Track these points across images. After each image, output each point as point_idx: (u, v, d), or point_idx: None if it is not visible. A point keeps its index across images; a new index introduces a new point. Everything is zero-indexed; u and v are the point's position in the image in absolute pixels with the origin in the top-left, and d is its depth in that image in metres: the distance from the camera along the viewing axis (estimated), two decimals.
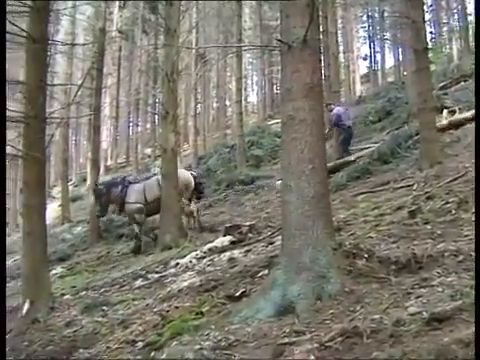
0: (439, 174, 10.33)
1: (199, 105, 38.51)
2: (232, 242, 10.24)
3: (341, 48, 40.00)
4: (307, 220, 5.39)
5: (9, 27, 9.53)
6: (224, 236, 10.79)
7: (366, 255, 5.71)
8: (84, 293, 9.82)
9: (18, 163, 26.02)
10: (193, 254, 10.10)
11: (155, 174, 15.33)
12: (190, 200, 14.55)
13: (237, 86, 24.40)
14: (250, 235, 10.60)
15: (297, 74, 5.64)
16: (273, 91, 51.01)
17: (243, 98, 29.40)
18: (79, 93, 15.72)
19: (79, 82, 19.54)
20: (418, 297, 4.61)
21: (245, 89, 47.18)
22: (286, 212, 5.63)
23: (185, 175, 14.57)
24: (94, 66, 20.86)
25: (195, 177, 14.71)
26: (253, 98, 59.93)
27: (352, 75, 47.37)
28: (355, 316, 4.52)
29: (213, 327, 5.10)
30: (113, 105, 42.94)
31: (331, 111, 16.92)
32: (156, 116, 39.36)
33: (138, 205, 14.11)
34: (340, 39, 39.17)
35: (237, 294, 6.23)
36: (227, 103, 46.03)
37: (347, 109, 18.89)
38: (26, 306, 8.31)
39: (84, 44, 22.07)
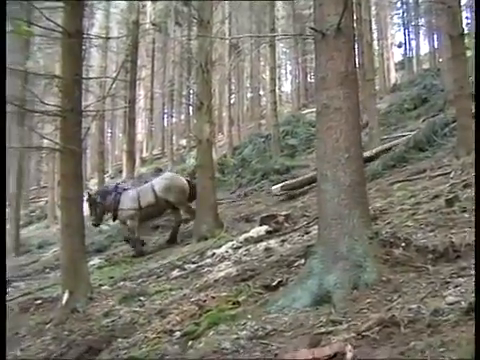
0: None
1: (233, 95, 38.35)
2: (268, 232, 10.24)
3: (375, 35, 39.40)
4: (343, 209, 5.37)
5: (45, 23, 9.66)
6: (260, 226, 10.80)
7: (403, 244, 5.67)
8: (122, 283, 9.93)
9: (55, 156, 26.34)
10: (229, 244, 10.13)
11: (147, 181, 15.42)
12: (189, 202, 14.64)
13: (271, 76, 24.30)
14: (286, 225, 10.59)
15: (331, 62, 5.60)
16: (307, 80, 50.64)
17: (277, 87, 29.27)
18: (114, 86, 15.85)
19: (114, 75, 19.66)
20: (456, 286, 4.56)
21: (279, 79, 46.85)
22: (322, 201, 5.62)
23: (182, 181, 14.69)
24: (128, 59, 21.02)
25: (189, 182, 14.68)
26: (287, 87, 59.56)
27: (386, 63, 46.68)
28: (392, 306, 4.49)
29: (250, 317, 5.12)
30: (147, 97, 43.09)
31: None
32: (190, 107, 39.51)
33: (131, 211, 14.02)
34: (374, 26, 38.60)
35: (274, 284, 6.23)
36: (261, 93, 45.82)
37: None
38: (65, 296, 8.45)
39: (118, 37, 22.23)
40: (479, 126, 5.26)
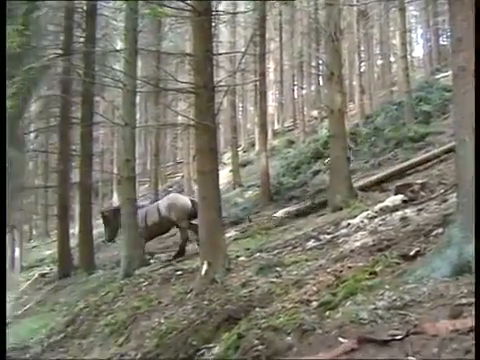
0: None
1: (363, 63, 37.49)
2: (404, 201, 10.03)
3: None
4: None
5: (175, 3, 9.94)
6: (395, 195, 10.60)
7: None
8: (258, 255, 10.11)
9: (189, 132, 27.15)
10: (364, 214, 10.02)
11: (156, 200, 16.52)
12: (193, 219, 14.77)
13: (401, 41, 23.49)
14: (422, 193, 10.32)
15: (468, 22, 5.31)
16: (439, 43, 48.42)
17: (408, 53, 28.27)
18: (243, 60, 16.01)
19: (243, 50, 19.86)
20: None
21: (410, 43, 45.14)
22: (461, 168, 5.38)
23: (184, 201, 15.20)
24: (256, 33, 21.12)
25: (192, 201, 14.81)
26: (419, 52, 57.29)
27: None
28: None
29: (387, 287, 5.04)
30: (277, 70, 43.16)
31: None
32: (320, 77, 39.14)
33: (142, 229, 14.62)
34: None
35: (411, 253, 6.10)
36: (392, 59, 44.48)
37: None
38: (204, 267, 8.76)
39: (245, 12, 22.33)
40: (479, 125, 4.86)
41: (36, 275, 24.19)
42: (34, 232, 43.07)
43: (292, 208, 15.76)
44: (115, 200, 35.90)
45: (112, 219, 15.69)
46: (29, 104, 20.57)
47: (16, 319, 15.86)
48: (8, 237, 31.88)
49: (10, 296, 23.02)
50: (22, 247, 32.16)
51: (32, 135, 22.64)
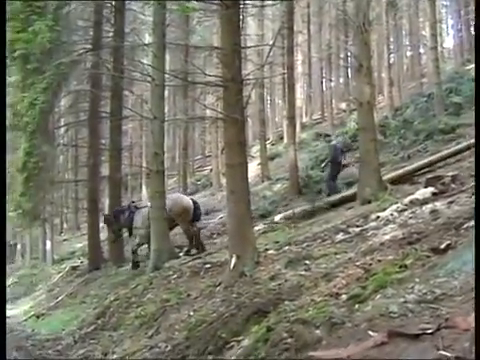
0: None
1: (392, 55, 37.17)
2: (434, 193, 9.92)
3: None
4: None
5: None
6: (425, 188, 10.49)
7: None
8: (287, 248, 10.10)
9: (218, 126, 27.19)
10: (394, 207, 9.94)
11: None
12: (191, 223, 15.07)
13: (431, 32, 23.22)
14: (453, 186, 10.19)
15: None
16: (470, 33, 47.66)
17: (438, 44, 27.92)
18: (271, 53, 15.99)
19: (271, 42, 19.81)
20: None
21: (440, 34, 44.55)
22: None
23: (185, 201, 15.36)
24: (284, 25, 21.05)
25: (195, 203, 15.16)
26: (449, 43, 56.48)
27: None
28: None
29: (417, 280, 5.00)
30: (305, 62, 42.97)
31: (329, 143, 17.39)
32: (349, 70, 38.89)
33: (143, 229, 14.96)
34: None
35: (442, 247, 6.03)
36: (421, 50, 44.01)
37: (344, 143, 19.42)
38: (233, 260, 8.79)
39: (273, 4, 22.27)
40: (479, 126, 4.74)
41: (67, 268, 24.54)
42: (65, 225, 43.64)
43: (287, 212, 15.83)
44: (144, 193, 36.15)
45: (114, 221, 16.11)
46: (59, 99, 20.81)
47: (49, 311, 16.12)
48: (40, 230, 32.41)
49: (42, 288, 23.42)
50: (53, 240, 32.61)
51: (62, 130, 22.86)
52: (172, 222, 14.96)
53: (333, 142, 17.38)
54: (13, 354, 9.96)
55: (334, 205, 14.57)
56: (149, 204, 15.15)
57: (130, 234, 15.91)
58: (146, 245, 15.14)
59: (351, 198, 14.19)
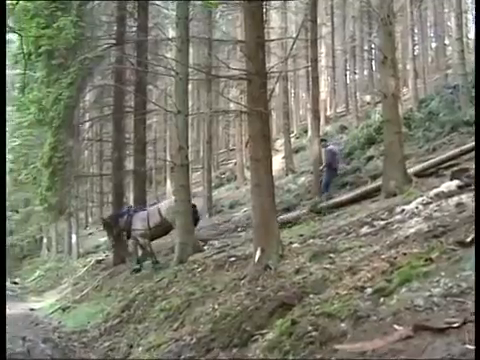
0: None
1: (417, 47, 36.79)
2: (459, 186, 9.80)
3: None
4: None
5: None
6: (451, 180, 10.38)
7: None
8: (311, 241, 10.08)
9: (242, 119, 27.17)
10: (419, 200, 9.84)
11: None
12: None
13: (457, 22, 22.89)
14: None
15: None
16: None
17: (464, 34, 27.56)
18: (295, 46, 15.95)
19: (294, 35, 19.75)
20: None
21: (465, 24, 43.98)
22: None
23: None
24: (308, 18, 20.93)
25: (193, 206, 15.05)
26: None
27: None
28: None
29: (443, 274, 4.97)
30: (329, 55, 42.70)
31: (325, 147, 17.22)
32: (373, 62, 38.59)
33: (142, 231, 15.33)
34: None
35: (468, 240, 5.96)
36: (446, 42, 43.51)
37: (340, 149, 19.36)
38: (258, 254, 8.79)
39: None
40: (479, 126, 4.65)
41: (92, 261, 24.78)
42: (90, 219, 44.04)
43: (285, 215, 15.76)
44: (168, 187, 36.31)
45: (113, 225, 16.38)
46: (84, 94, 20.99)
47: (74, 304, 16.31)
48: (66, 224, 32.76)
49: (68, 282, 23.69)
50: (79, 234, 32.92)
51: (87, 124, 23.04)
52: (169, 226, 15.23)
53: (329, 147, 17.28)
54: (41, 346, 10.12)
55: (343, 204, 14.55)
56: (147, 207, 15.95)
57: (128, 237, 16.20)
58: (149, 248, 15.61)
59: (376, 191, 14.11)
